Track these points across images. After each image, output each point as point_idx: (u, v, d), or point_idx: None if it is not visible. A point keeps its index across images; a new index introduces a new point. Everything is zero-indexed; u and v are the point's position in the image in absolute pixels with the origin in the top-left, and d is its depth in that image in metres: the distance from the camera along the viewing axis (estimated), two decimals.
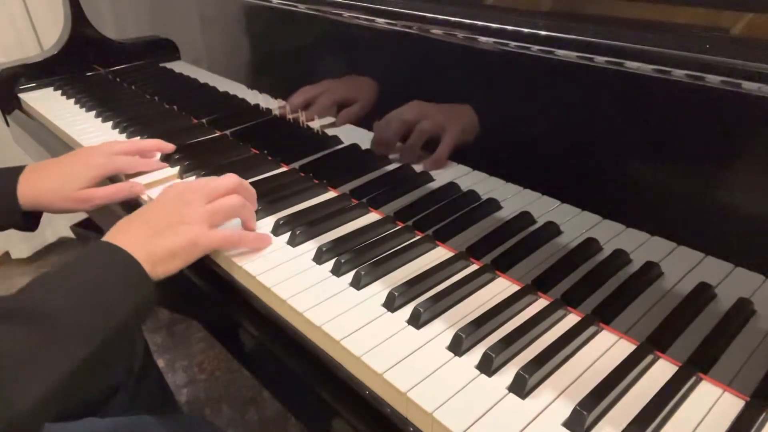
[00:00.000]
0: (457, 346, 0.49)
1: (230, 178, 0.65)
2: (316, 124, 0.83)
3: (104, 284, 0.52)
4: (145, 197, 0.77)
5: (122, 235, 0.57)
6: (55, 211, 0.78)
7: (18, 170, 0.76)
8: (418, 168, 0.72)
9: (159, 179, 0.81)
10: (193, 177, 0.80)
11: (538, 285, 0.55)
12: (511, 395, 0.45)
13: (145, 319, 0.57)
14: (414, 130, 0.68)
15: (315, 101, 0.80)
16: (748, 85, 0.40)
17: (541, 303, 0.54)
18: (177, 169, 0.82)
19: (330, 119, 0.80)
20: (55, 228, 1.82)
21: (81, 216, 1.66)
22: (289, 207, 0.72)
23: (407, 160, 0.71)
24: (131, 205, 0.81)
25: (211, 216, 0.61)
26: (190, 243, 0.58)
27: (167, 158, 0.85)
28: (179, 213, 0.59)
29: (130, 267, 0.54)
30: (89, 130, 0.99)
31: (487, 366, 0.47)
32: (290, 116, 0.86)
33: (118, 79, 1.25)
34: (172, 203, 0.61)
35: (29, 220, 0.78)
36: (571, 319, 0.53)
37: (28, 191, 0.75)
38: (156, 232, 0.57)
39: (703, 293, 0.50)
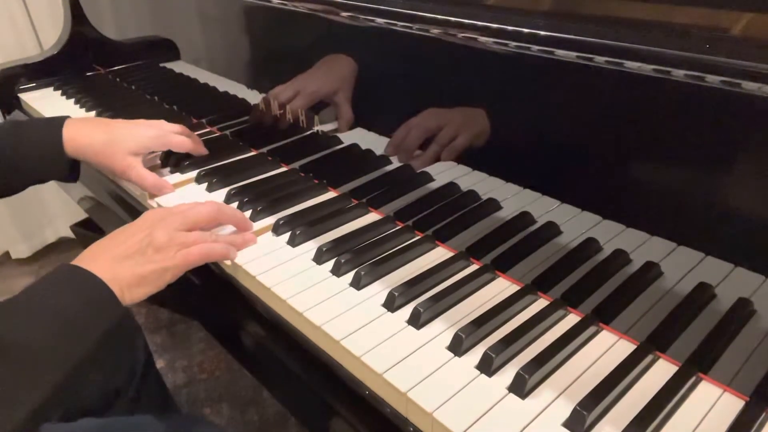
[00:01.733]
0: (457, 346, 0.49)
1: (209, 205, 0.64)
2: (315, 125, 0.83)
3: (72, 310, 0.51)
4: (152, 203, 0.77)
5: (91, 260, 0.56)
6: (96, 164, 0.77)
7: (61, 119, 0.76)
8: (418, 168, 0.72)
9: (184, 180, 0.80)
10: (194, 175, 0.80)
11: (538, 285, 0.55)
12: (511, 395, 0.45)
13: (122, 343, 0.56)
14: (434, 138, 0.67)
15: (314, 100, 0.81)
16: (748, 85, 0.40)
17: (541, 303, 0.54)
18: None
19: (332, 125, 0.80)
20: (55, 228, 1.82)
21: (81, 216, 1.66)
22: (289, 207, 0.72)
23: (422, 165, 0.71)
24: (134, 210, 0.81)
25: (181, 230, 0.60)
26: (159, 269, 0.57)
27: (167, 158, 0.84)
28: (149, 237, 0.58)
29: (98, 291, 0.53)
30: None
31: (487, 366, 0.47)
32: (290, 116, 0.86)
33: (118, 79, 1.25)
34: (145, 228, 0.59)
35: (72, 171, 0.78)
36: (571, 319, 0.53)
37: (80, 138, 0.74)
38: (126, 257, 0.56)
39: (703, 293, 0.50)
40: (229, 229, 0.67)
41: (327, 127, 0.81)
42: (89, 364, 0.51)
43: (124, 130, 0.77)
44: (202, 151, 0.84)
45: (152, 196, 0.77)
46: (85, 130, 0.76)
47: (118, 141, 0.75)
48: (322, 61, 0.75)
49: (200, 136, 0.94)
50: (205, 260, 0.61)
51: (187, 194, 0.77)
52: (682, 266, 0.51)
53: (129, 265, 0.56)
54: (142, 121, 0.81)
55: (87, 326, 0.51)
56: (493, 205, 0.65)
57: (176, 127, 0.82)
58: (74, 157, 0.77)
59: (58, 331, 0.50)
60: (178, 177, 0.81)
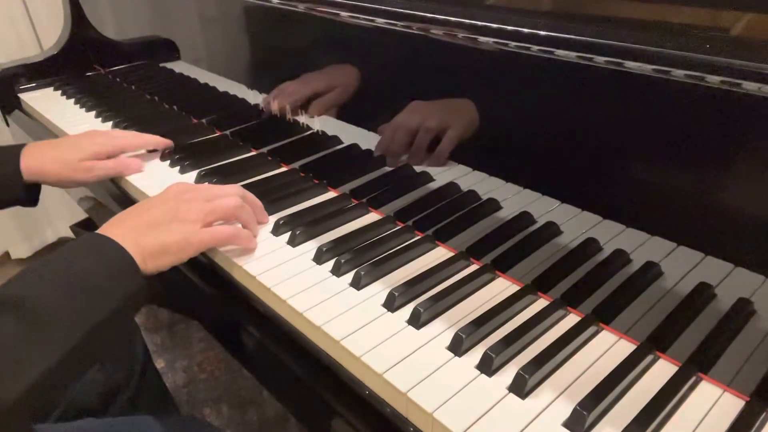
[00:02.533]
0: (457, 346, 0.49)
1: (234, 187, 0.66)
2: (316, 124, 0.83)
3: (91, 274, 0.51)
4: (134, 186, 0.80)
5: (115, 227, 0.57)
6: (57, 180, 0.79)
7: (20, 147, 0.78)
8: (418, 168, 0.72)
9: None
10: (194, 175, 0.80)
11: (538, 285, 0.55)
12: (511, 395, 0.45)
13: (136, 310, 0.56)
14: (419, 132, 0.67)
15: (313, 99, 0.81)
16: (748, 85, 0.40)
17: (541, 303, 0.54)
18: (168, 162, 0.84)
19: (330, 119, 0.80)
20: (55, 228, 1.82)
21: (81, 216, 1.66)
22: (289, 207, 0.72)
23: (414, 162, 0.71)
24: (131, 203, 0.81)
25: (206, 215, 0.60)
26: (182, 240, 0.58)
27: (168, 157, 0.85)
28: (175, 210, 0.59)
29: (119, 257, 0.53)
30: (93, 129, 0.99)
31: (487, 366, 0.47)
32: (290, 116, 0.86)
33: (118, 79, 1.25)
34: (170, 200, 0.61)
35: (30, 195, 0.80)
36: (571, 319, 0.53)
37: (33, 161, 0.77)
38: (150, 226, 0.57)
39: (703, 293, 0.50)
40: None
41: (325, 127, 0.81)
42: (104, 333, 0.51)
43: (73, 144, 0.80)
44: (158, 142, 0.86)
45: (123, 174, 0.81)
46: (38, 154, 0.78)
47: (66, 155, 0.78)
48: (330, 66, 0.76)
49: (200, 136, 0.94)
50: (230, 241, 0.62)
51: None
52: (682, 266, 0.51)
53: (152, 233, 0.56)
54: (91, 132, 0.85)
55: (106, 291, 0.51)
56: (493, 205, 0.65)
57: (125, 132, 0.87)
58: (34, 182, 0.78)
59: (76, 294, 0.50)
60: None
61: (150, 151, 0.87)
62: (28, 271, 0.51)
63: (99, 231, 0.56)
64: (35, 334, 0.46)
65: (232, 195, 0.63)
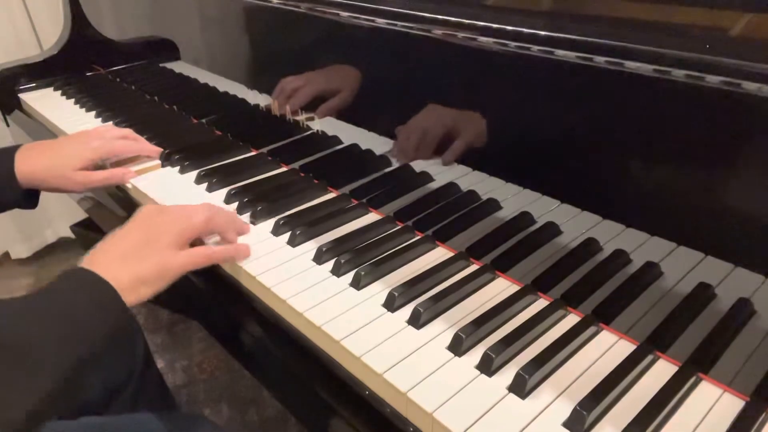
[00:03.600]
0: (457, 346, 0.49)
1: (203, 205, 0.64)
2: (316, 124, 0.83)
3: (76, 311, 0.51)
4: (129, 185, 0.80)
5: (97, 261, 0.55)
6: (50, 188, 0.78)
7: (14, 149, 0.77)
8: (418, 168, 0.72)
9: (148, 167, 0.84)
10: (194, 175, 0.80)
11: (538, 285, 0.55)
12: (511, 395, 0.45)
13: (123, 343, 0.55)
14: (428, 135, 0.68)
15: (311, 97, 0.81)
16: (748, 85, 0.40)
17: (541, 303, 0.54)
18: (158, 161, 0.85)
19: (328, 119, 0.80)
20: (55, 228, 1.82)
21: (81, 216, 1.66)
22: (289, 207, 0.72)
23: (420, 157, 0.71)
24: (131, 203, 0.81)
25: (179, 237, 0.59)
26: (160, 268, 0.56)
27: (168, 158, 0.85)
28: (146, 239, 0.57)
29: (103, 292, 0.53)
30: (85, 130, 0.99)
31: (487, 366, 0.47)
32: (290, 116, 0.86)
33: (118, 79, 1.25)
34: (139, 228, 0.59)
35: (29, 198, 0.79)
36: (571, 319, 0.53)
37: (25, 167, 0.76)
38: (127, 257, 0.56)
39: (703, 293, 0.50)
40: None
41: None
42: (90, 367, 0.50)
43: (66, 149, 0.79)
44: (151, 150, 0.85)
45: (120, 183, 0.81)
46: (30, 159, 0.77)
47: (60, 164, 0.77)
48: (333, 67, 0.76)
49: (200, 136, 0.94)
50: (210, 260, 0.60)
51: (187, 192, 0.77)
52: (682, 266, 0.51)
53: (128, 264, 0.55)
54: (84, 132, 0.83)
55: (91, 327, 0.51)
56: (493, 205, 0.65)
57: (118, 132, 0.85)
58: (29, 187, 0.77)
59: (60, 332, 0.49)
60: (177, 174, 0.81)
61: None
62: (11, 308, 0.51)
63: (84, 264, 0.55)
64: (18, 375, 0.46)
65: (199, 212, 0.62)
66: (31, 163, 0.76)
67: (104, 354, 0.52)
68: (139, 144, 0.85)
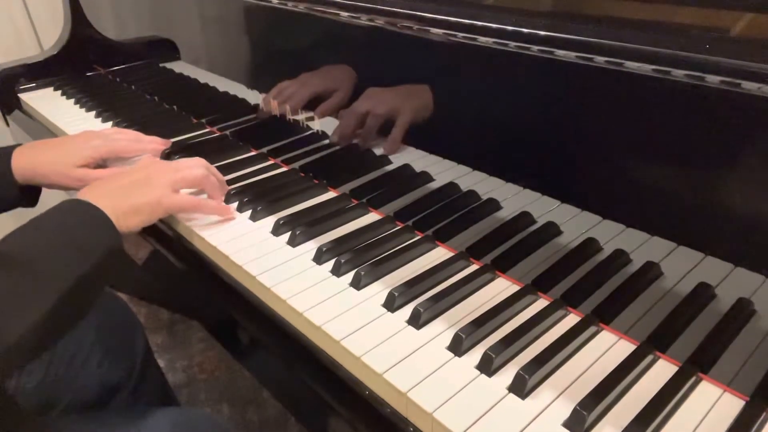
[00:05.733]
0: (457, 346, 0.49)
1: (198, 160, 0.72)
2: (316, 124, 0.83)
3: (74, 229, 0.57)
4: None
5: (92, 192, 0.62)
6: (49, 184, 0.79)
7: (12, 147, 0.78)
8: (417, 168, 0.72)
9: None
10: None
11: (538, 285, 0.55)
12: (511, 395, 0.45)
13: (116, 267, 0.59)
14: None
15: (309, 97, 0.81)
16: (748, 85, 0.40)
17: (541, 303, 0.54)
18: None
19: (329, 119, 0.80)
20: None
21: None
22: (289, 207, 0.72)
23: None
24: None
25: (175, 182, 0.66)
26: (154, 202, 0.64)
27: (168, 158, 0.85)
28: (146, 177, 0.66)
29: (96, 215, 0.59)
30: (89, 130, 0.99)
31: (487, 366, 0.47)
32: (290, 116, 0.86)
33: (118, 79, 1.25)
34: (141, 170, 0.67)
35: (28, 196, 0.80)
36: (571, 319, 0.53)
37: (25, 164, 0.77)
38: (123, 190, 0.63)
39: (703, 293, 0.50)
40: None
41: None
42: (89, 285, 0.55)
43: (67, 146, 0.80)
44: (152, 151, 0.86)
45: None
46: (31, 155, 0.78)
47: (60, 160, 0.78)
48: (332, 67, 0.76)
49: (200, 135, 0.94)
50: (196, 209, 0.68)
51: None
52: (682, 266, 0.51)
53: (126, 196, 0.62)
54: (86, 132, 0.84)
55: (87, 244, 0.56)
56: (493, 205, 0.65)
57: (122, 133, 0.86)
58: (27, 183, 0.78)
59: (59, 246, 0.54)
60: None
61: None
62: (15, 232, 0.55)
63: (78, 196, 0.61)
64: (29, 284, 0.51)
65: (198, 166, 0.70)
66: (31, 159, 0.77)
67: (101, 273, 0.57)
68: (141, 144, 0.85)
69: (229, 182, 0.78)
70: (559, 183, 0.58)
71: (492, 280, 0.58)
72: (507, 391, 0.45)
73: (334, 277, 0.59)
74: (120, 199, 0.62)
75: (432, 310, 0.52)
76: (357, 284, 0.57)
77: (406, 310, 0.53)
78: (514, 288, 0.56)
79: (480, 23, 0.54)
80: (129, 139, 0.85)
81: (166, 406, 0.86)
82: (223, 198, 0.72)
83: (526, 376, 0.45)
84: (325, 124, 0.82)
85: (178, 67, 1.10)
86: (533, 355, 0.47)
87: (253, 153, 0.87)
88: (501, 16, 0.53)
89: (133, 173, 0.67)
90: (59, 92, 1.19)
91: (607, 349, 0.49)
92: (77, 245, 0.55)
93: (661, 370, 0.47)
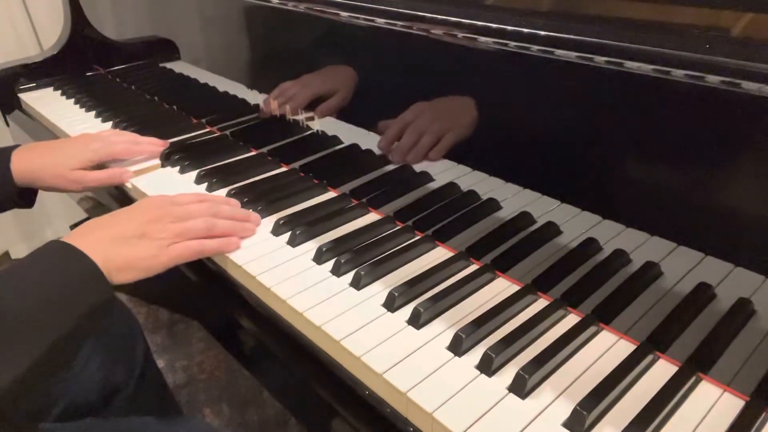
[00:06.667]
0: (457, 346, 0.49)
1: (202, 204, 0.64)
2: (316, 124, 0.83)
3: (56, 283, 0.52)
4: (129, 185, 0.80)
5: (83, 237, 0.56)
6: (46, 187, 0.78)
7: (11, 148, 0.77)
8: (418, 168, 0.72)
9: (147, 167, 0.84)
10: (194, 175, 0.80)
11: (538, 285, 0.55)
12: (511, 395, 0.45)
13: (100, 319, 0.55)
14: (425, 133, 0.68)
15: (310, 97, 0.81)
16: (748, 85, 0.40)
17: (541, 303, 0.54)
18: (159, 161, 0.85)
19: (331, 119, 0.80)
20: (55, 228, 1.82)
21: (81, 216, 1.66)
22: (289, 207, 0.72)
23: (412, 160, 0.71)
24: (131, 203, 0.81)
25: (175, 237, 0.60)
26: (150, 257, 0.58)
27: (168, 158, 0.85)
28: (144, 227, 0.59)
29: (86, 269, 0.53)
30: (89, 130, 0.99)
31: (487, 366, 0.47)
32: (290, 116, 0.86)
33: (118, 79, 1.24)
34: (139, 216, 0.60)
35: (25, 197, 0.80)
36: (571, 319, 0.53)
37: (23, 165, 0.76)
38: (117, 240, 0.57)
39: (703, 293, 0.50)
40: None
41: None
42: (75, 337, 0.51)
43: (66, 149, 0.79)
44: (152, 153, 0.86)
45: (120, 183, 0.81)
46: (29, 157, 0.77)
47: (59, 162, 0.77)
48: (328, 67, 0.76)
49: (200, 135, 0.94)
50: (197, 256, 0.61)
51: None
52: (682, 266, 0.51)
53: (121, 247, 0.56)
54: (85, 135, 0.84)
55: (70, 300, 0.52)
56: (493, 205, 0.65)
57: (120, 136, 0.85)
58: (26, 185, 0.78)
59: (38, 302, 0.50)
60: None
61: None
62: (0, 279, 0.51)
63: (67, 239, 0.56)
64: (3, 343, 0.47)
65: (201, 216, 0.63)
66: (29, 161, 0.77)
67: (90, 325, 0.53)
68: (140, 147, 0.85)
69: (229, 182, 0.78)
70: (559, 183, 0.58)
71: (492, 280, 0.58)
72: (507, 391, 0.45)
73: (334, 277, 0.59)
74: (113, 251, 0.56)
75: (432, 310, 0.52)
76: (357, 284, 0.57)
77: (406, 310, 0.53)
78: (514, 288, 0.56)
79: (480, 23, 0.54)
80: (127, 141, 0.84)
81: (164, 412, 0.86)
82: (240, 230, 0.65)
83: (526, 376, 0.45)
84: (325, 124, 0.82)
85: (178, 67, 1.10)
86: (533, 355, 0.47)
87: (253, 153, 0.87)
88: (501, 16, 0.53)
89: (129, 218, 0.60)
90: (59, 92, 1.18)
91: (607, 349, 0.49)
92: (64, 300, 0.51)
93: (661, 370, 0.47)
